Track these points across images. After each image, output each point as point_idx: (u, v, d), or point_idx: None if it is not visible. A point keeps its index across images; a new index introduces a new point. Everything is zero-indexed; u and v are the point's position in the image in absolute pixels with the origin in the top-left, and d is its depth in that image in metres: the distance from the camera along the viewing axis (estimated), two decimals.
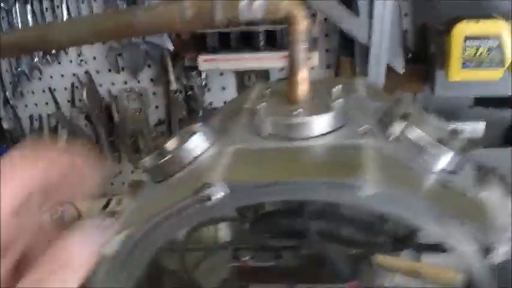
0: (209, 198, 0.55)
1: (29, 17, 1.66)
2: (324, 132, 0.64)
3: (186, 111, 1.63)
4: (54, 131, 1.77)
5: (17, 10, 1.67)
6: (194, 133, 0.66)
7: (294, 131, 0.64)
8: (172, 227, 0.59)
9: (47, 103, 1.80)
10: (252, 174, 0.60)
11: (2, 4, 1.66)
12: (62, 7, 1.63)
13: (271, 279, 0.89)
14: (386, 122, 0.67)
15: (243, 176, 0.60)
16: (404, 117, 0.65)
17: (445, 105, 1.54)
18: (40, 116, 1.81)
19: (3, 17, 1.69)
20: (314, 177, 0.57)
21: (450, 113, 1.55)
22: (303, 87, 0.67)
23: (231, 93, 1.63)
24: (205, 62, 1.45)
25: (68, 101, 1.76)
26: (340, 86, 0.70)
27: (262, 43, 1.42)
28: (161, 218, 0.58)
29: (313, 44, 1.45)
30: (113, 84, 1.72)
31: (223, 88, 1.65)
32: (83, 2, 1.62)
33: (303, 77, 0.66)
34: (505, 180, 0.74)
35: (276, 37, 1.44)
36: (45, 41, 0.77)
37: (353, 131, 0.65)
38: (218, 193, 0.55)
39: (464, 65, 1.27)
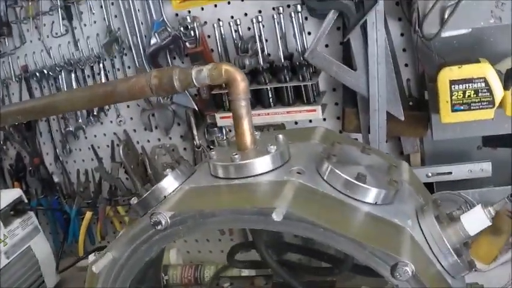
0: (157, 224, 0.70)
1: (74, 82, 1.87)
2: (262, 171, 0.76)
3: None
4: (98, 184, 1.94)
5: (63, 77, 1.88)
6: (165, 176, 0.80)
7: (237, 172, 0.77)
8: (145, 251, 0.75)
9: (92, 159, 1.98)
10: (193, 205, 0.74)
11: (50, 72, 1.88)
12: (101, 74, 1.82)
13: None
14: (319, 161, 0.78)
15: (186, 207, 0.73)
16: (330, 157, 0.76)
17: (453, 148, 1.61)
18: (86, 171, 2.00)
19: (51, 84, 1.90)
20: (237, 206, 0.70)
21: (459, 154, 1.61)
22: (246, 137, 0.79)
23: None
24: (222, 119, 1.59)
25: (110, 157, 1.93)
26: (280, 136, 0.81)
27: (271, 99, 1.54)
28: (135, 244, 0.74)
29: (318, 98, 1.55)
30: (148, 141, 1.88)
31: None
32: (118, 70, 1.81)
33: (246, 129, 0.79)
34: (440, 209, 0.82)
35: (280, 94, 1.55)
36: (53, 107, 0.94)
37: (286, 171, 0.77)
38: (163, 220, 0.70)
39: (454, 107, 1.34)
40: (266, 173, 0.76)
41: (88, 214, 1.91)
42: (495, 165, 1.56)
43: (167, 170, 0.83)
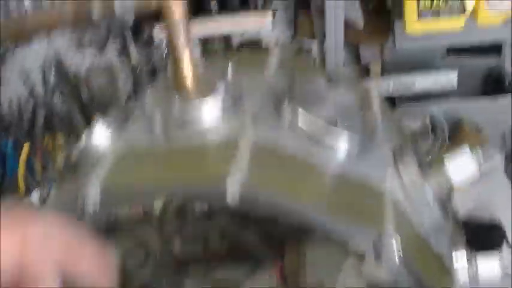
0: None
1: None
2: (209, 124, 0.62)
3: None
4: (32, 113, 1.76)
5: None
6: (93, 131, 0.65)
7: (179, 126, 0.62)
8: None
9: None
10: (128, 180, 0.59)
11: None
12: None
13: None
14: (278, 105, 0.64)
15: (118, 185, 0.58)
16: (295, 96, 0.62)
17: (416, 57, 1.49)
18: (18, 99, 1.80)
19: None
20: (185, 182, 0.56)
21: (422, 64, 1.49)
22: (186, 77, 0.64)
23: None
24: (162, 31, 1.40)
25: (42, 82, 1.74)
26: (229, 68, 0.66)
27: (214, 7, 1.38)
28: None
29: (267, 4, 1.40)
30: (82, 59, 1.70)
31: None
32: None
33: (187, 67, 0.63)
34: (421, 158, 0.70)
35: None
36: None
37: (239, 119, 0.62)
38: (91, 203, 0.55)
39: (422, 14, 1.21)
40: (215, 126, 0.62)
41: (25, 146, 1.73)
42: (461, 75, 1.45)
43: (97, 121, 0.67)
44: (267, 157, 0.58)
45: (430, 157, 0.72)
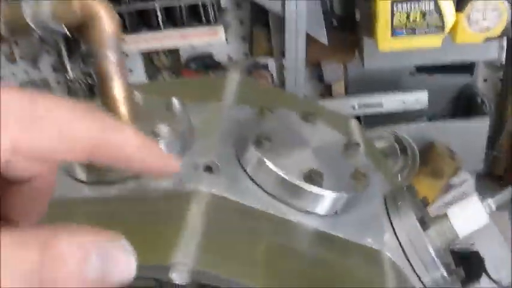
0: None
1: None
2: None
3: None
4: None
5: None
6: None
7: (110, 174, 0.46)
8: None
9: None
10: None
11: None
12: None
13: None
14: (242, 148, 0.49)
15: None
16: (262, 141, 0.47)
17: (382, 75, 1.37)
18: None
19: None
20: None
21: (389, 82, 1.38)
22: (119, 114, 0.48)
23: (139, 75, 1.42)
24: None
25: None
26: (175, 102, 0.51)
27: (160, 20, 1.21)
28: None
29: (220, 17, 1.24)
30: (13, 74, 1.52)
31: (131, 70, 1.43)
32: None
33: (117, 98, 0.48)
34: (419, 205, 0.57)
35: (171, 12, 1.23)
36: None
37: (190, 167, 0.47)
38: None
39: (395, 32, 1.08)
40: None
41: None
42: (431, 93, 1.34)
43: None
44: (223, 223, 0.43)
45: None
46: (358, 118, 1.34)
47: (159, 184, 0.44)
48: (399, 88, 1.38)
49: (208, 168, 0.47)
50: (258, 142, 0.46)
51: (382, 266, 0.45)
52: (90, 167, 0.46)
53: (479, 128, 1.37)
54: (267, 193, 0.46)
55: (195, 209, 0.41)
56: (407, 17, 1.05)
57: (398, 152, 1.31)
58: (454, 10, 1.01)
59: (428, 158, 1.33)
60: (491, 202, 0.55)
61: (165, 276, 0.36)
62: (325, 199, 0.45)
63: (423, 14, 1.04)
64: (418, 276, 0.52)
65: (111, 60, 0.46)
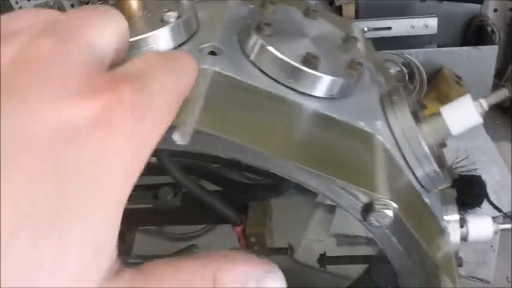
0: None
1: None
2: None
3: None
4: None
5: None
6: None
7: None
8: None
9: None
10: None
11: None
12: None
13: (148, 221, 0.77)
14: (244, 34, 0.51)
15: None
16: (263, 27, 0.49)
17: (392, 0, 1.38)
18: None
19: None
20: None
21: (399, 8, 1.38)
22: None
23: None
24: None
25: None
26: None
27: None
28: None
29: None
30: None
31: None
32: None
33: None
34: (414, 105, 0.59)
35: None
36: None
37: (194, 50, 0.49)
38: None
39: None
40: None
41: None
42: (441, 21, 1.35)
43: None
44: (229, 92, 0.45)
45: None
46: None
47: None
48: (409, 14, 1.38)
49: (212, 53, 0.49)
50: (258, 28, 0.48)
51: (373, 147, 0.47)
52: None
53: (487, 56, 1.38)
54: (268, 76, 0.48)
55: (199, 83, 0.43)
56: None
57: (407, 75, 1.33)
58: None
59: (436, 83, 1.34)
60: (483, 101, 0.57)
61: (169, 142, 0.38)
62: (321, 81, 0.47)
63: None
64: (410, 168, 0.55)
65: None
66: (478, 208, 1.24)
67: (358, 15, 1.41)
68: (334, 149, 0.46)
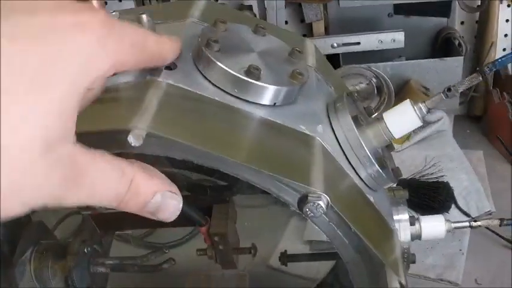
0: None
1: None
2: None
3: None
4: None
5: None
6: None
7: None
8: None
9: None
10: None
11: None
12: None
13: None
14: (196, 50, 0.57)
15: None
16: (211, 43, 0.54)
17: (361, 16, 1.44)
18: None
19: None
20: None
21: (368, 23, 1.44)
22: None
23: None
24: None
25: None
26: (144, 16, 0.58)
27: None
28: None
29: None
30: None
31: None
32: None
33: None
34: (361, 114, 0.64)
35: None
36: None
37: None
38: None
39: None
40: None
41: None
42: (408, 35, 1.41)
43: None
44: (180, 102, 0.51)
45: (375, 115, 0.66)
46: (337, 56, 1.41)
47: (119, 79, 0.51)
48: (378, 29, 1.44)
49: (168, 67, 0.54)
50: (208, 45, 0.54)
51: (312, 148, 0.53)
52: None
53: (454, 67, 1.43)
54: (217, 87, 0.53)
55: (151, 94, 0.49)
56: None
57: (375, 88, 1.38)
58: None
59: (404, 95, 1.40)
60: (423, 106, 0.63)
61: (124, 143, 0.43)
62: (264, 90, 0.52)
63: None
64: (353, 168, 0.60)
65: None
66: (446, 214, 1.29)
67: (328, 32, 1.47)
68: (275, 150, 0.51)
